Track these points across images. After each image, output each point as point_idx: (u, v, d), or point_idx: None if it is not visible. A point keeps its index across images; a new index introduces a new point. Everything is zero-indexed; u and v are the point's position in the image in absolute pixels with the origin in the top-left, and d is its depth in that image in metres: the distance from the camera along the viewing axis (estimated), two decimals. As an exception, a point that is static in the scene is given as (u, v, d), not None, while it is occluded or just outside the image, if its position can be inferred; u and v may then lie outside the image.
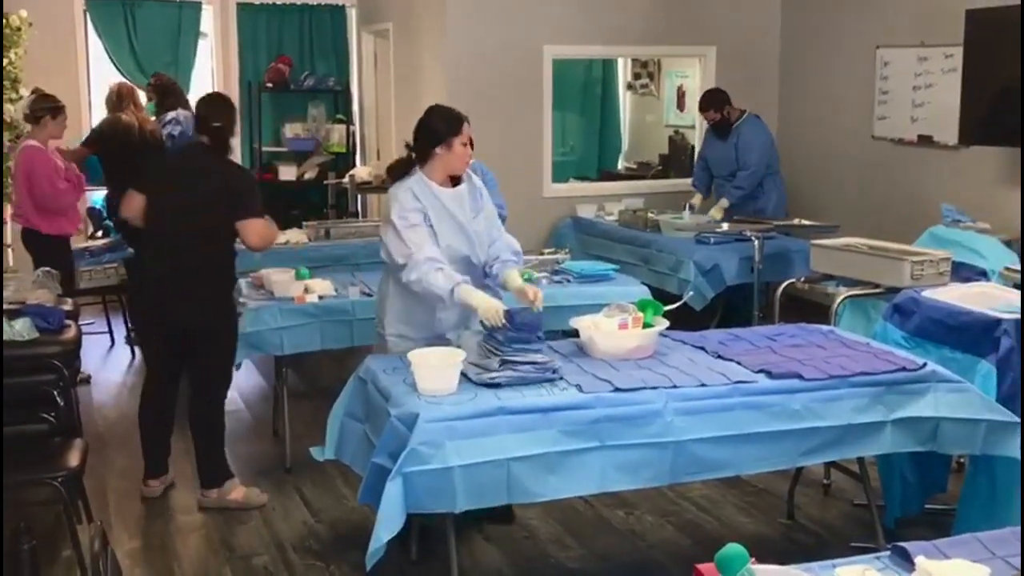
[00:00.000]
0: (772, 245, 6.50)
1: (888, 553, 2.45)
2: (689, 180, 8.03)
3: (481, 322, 3.76)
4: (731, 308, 7.05)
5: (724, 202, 7.30)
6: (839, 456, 3.79)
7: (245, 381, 6.45)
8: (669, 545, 4.32)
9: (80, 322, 5.18)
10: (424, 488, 3.22)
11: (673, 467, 3.47)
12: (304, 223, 7.08)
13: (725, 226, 6.81)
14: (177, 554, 4.26)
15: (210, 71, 9.95)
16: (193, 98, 8.61)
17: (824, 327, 4.35)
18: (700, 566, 2.22)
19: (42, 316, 4.52)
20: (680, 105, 9.68)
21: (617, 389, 3.45)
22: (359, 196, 9.37)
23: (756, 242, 6.35)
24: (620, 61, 10.34)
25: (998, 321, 3.89)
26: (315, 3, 10.00)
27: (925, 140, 7.21)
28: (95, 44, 9.34)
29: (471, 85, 7.63)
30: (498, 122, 7.58)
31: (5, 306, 4.55)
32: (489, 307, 3.71)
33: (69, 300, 4.98)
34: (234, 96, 9.81)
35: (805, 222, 6.76)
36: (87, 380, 6.44)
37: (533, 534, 4.40)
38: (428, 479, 3.21)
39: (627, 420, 3.40)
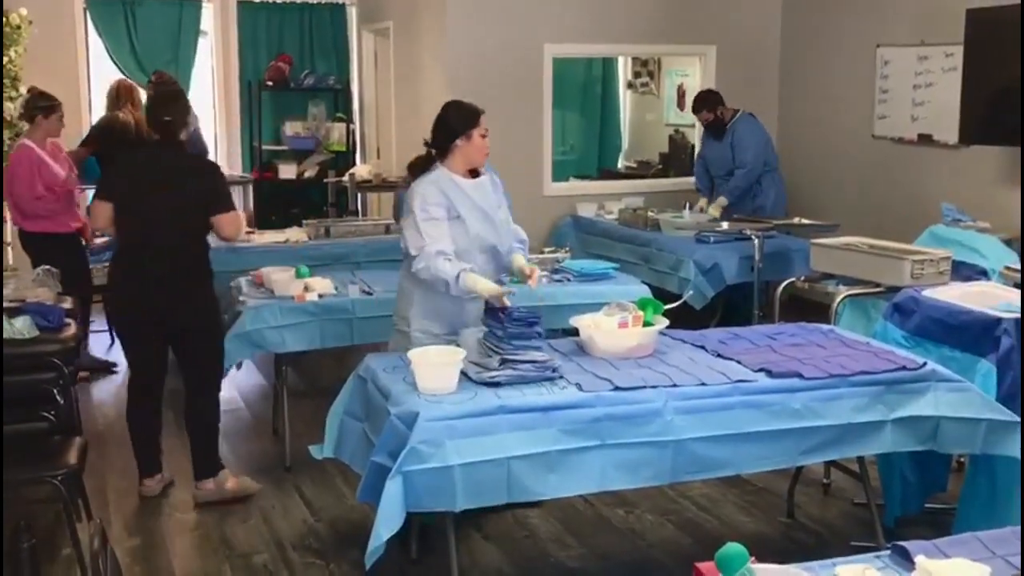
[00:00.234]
0: (772, 244, 6.50)
1: (888, 552, 2.45)
2: (689, 179, 8.05)
3: (485, 310, 3.76)
4: (731, 307, 7.05)
5: (723, 200, 7.31)
6: (839, 455, 3.79)
7: (245, 380, 6.45)
8: (669, 544, 4.32)
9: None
10: (424, 487, 3.22)
11: (673, 466, 3.47)
12: (304, 221, 7.08)
13: (725, 225, 6.81)
14: (177, 552, 4.26)
15: (210, 69, 9.95)
16: (193, 97, 8.67)
17: (824, 326, 4.35)
18: (700, 565, 2.22)
19: (42, 314, 4.51)
20: (680, 104, 9.68)
21: (617, 388, 3.45)
22: (359, 194, 9.37)
23: (756, 241, 6.35)
24: (620, 60, 10.34)
25: (998, 320, 3.89)
26: (315, 1, 10.01)
27: (925, 139, 7.21)
28: (95, 42, 9.35)
29: (471, 83, 7.61)
30: (498, 121, 7.47)
31: (5, 304, 4.55)
32: (494, 291, 3.76)
33: (68, 298, 4.97)
34: (234, 94, 9.86)
35: (805, 221, 6.76)
36: (87, 378, 6.43)
37: (533, 533, 4.40)
38: (428, 478, 3.21)
39: (627, 419, 3.40)
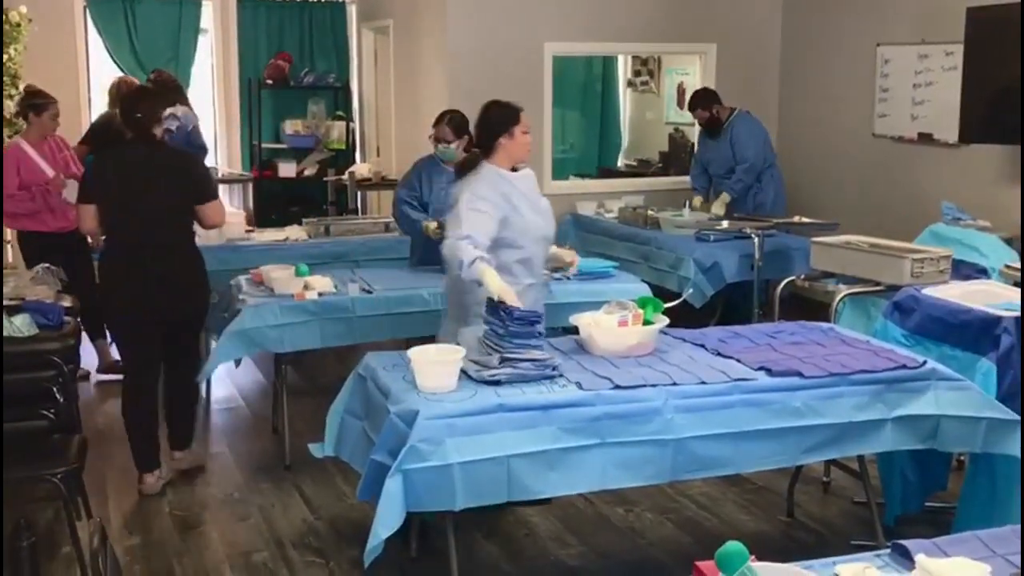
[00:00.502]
0: (772, 243, 6.49)
1: (888, 551, 2.44)
2: (689, 177, 8.03)
3: (487, 308, 3.76)
4: (731, 306, 7.05)
5: (726, 196, 7.31)
6: (839, 454, 3.79)
7: (244, 378, 6.44)
8: (669, 543, 4.32)
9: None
10: (424, 485, 3.22)
11: (673, 465, 3.47)
12: (304, 220, 7.07)
13: (725, 224, 6.81)
14: (176, 550, 4.25)
15: (210, 68, 9.95)
16: (193, 96, 8.66)
17: (824, 325, 4.34)
18: (700, 564, 2.22)
19: (42, 312, 4.51)
20: (680, 103, 9.66)
21: (617, 386, 3.45)
22: (359, 193, 9.37)
23: (756, 240, 6.34)
24: (620, 58, 10.33)
25: (998, 319, 3.88)
26: (315, -1, 10.01)
27: (925, 138, 7.20)
28: (95, 41, 9.34)
29: (471, 82, 7.61)
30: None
31: (5, 302, 4.55)
32: (503, 289, 3.72)
33: (68, 296, 4.96)
34: (234, 92, 9.86)
35: (805, 220, 6.75)
36: (87, 376, 6.43)
37: (533, 531, 4.40)
38: (428, 476, 3.21)
39: (627, 417, 3.40)
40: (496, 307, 3.69)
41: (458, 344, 3.72)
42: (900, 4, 7.36)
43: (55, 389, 4.15)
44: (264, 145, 9.97)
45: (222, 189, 8.86)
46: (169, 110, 7.22)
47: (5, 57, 7.24)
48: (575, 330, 4.00)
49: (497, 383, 3.46)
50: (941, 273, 4.67)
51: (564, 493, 3.52)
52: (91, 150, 7.02)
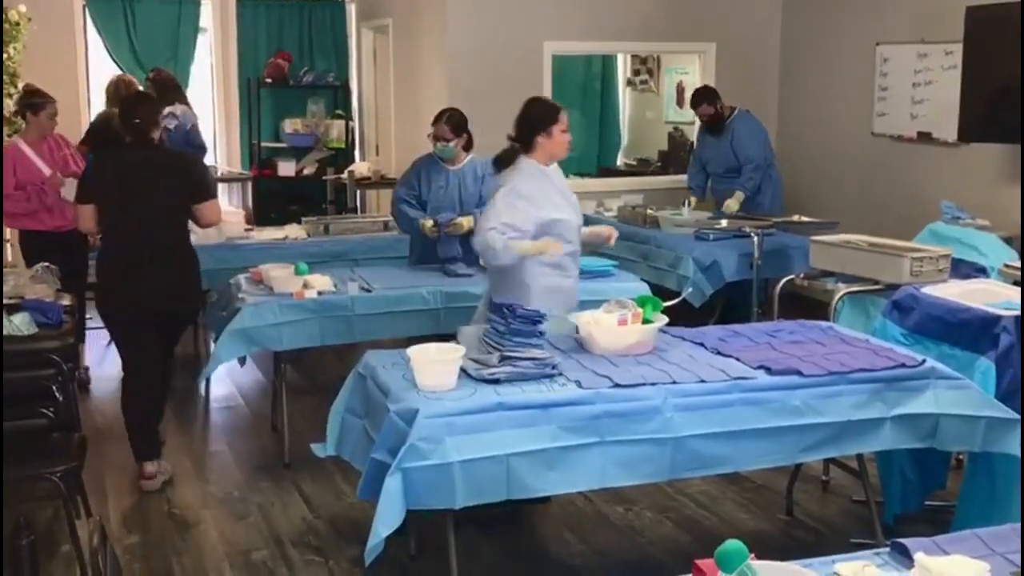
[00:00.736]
0: (771, 241, 6.49)
1: (887, 549, 2.45)
2: (686, 176, 8.02)
3: (490, 307, 3.75)
4: (730, 304, 7.05)
5: (740, 194, 7.26)
6: (838, 452, 3.79)
7: (244, 376, 6.44)
8: (668, 541, 4.32)
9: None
10: (423, 484, 3.22)
11: (672, 463, 3.47)
12: (303, 219, 7.08)
13: (724, 223, 6.81)
14: (176, 549, 4.25)
15: (209, 67, 9.95)
16: (192, 95, 8.67)
17: (823, 323, 4.34)
18: (700, 562, 2.22)
19: (41, 311, 4.51)
20: (680, 102, 9.67)
21: (616, 385, 3.45)
22: (358, 192, 9.37)
23: (755, 238, 6.34)
24: (620, 57, 10.34)
25: (997, 318, 3.88)
26: (315, -2, 10.01)
27: (925, 137, 7.21)
28: (94, 39, 9.34)
29: (470, 81, 7.62)
30: (497, 118, 7.52)
31: (4, 301, 4.55)
32: (536, 245, 4.10)
33: (67, 295, 4.96)
34: (233, 91, 9.86)
35: (804, 218, 6.76)
36: (86, 375, 6.42)
37: (532, 530, 4.40)
38: (427, 475, 3.21)
39: (626, 416, 3.40)
40: (499, 305, 3.69)
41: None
42: (899, 3, 7.36)
43: (54, 388, 4.15)
44: (263, 144, 9.97)
45: (221, 188, 8.88)
46: (168, 109, 7.24)
47: (4, 56, 7.23)
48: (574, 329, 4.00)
49: (496, 381, 3.46)
50: (940, 272, 4.68)
51: (563, 491, 3.53)
52: (91, 149, 7.02)
